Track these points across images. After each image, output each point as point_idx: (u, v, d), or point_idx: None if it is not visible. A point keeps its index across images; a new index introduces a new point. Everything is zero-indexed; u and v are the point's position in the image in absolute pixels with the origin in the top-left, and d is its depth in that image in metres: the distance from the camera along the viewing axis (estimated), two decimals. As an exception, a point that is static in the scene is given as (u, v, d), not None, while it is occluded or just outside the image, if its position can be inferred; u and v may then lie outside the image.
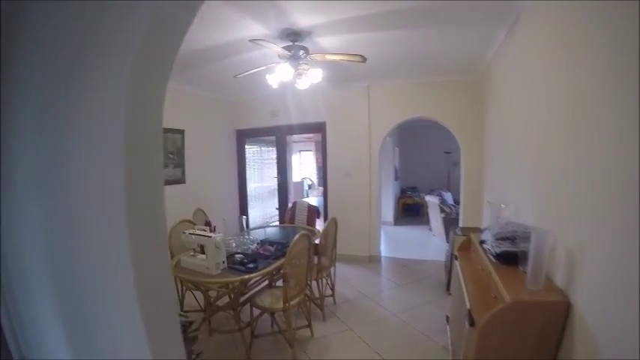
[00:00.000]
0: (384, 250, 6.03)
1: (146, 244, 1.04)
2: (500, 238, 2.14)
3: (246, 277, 2.75)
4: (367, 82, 5.29)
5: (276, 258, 3.12)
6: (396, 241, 6.97)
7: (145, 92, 1.00)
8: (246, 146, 6.81)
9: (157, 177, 1.11)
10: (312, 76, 3.48)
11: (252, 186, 7.43)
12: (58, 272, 1.04)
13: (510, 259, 2.00)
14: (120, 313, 1.02)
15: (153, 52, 0.98)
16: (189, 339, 2.37)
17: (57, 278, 1.04)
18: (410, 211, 9.54)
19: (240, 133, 6.65)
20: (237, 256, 3.11)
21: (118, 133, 0.93)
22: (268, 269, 2.92)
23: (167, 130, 5.01)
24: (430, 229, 7.66)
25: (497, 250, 2.09)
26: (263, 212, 8.14)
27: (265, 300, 2.99)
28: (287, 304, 2.82)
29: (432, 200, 7.24)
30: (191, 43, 3.44)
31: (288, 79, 3.39)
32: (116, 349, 1.04)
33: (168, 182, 5.03)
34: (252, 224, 7.19)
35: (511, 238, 2.09)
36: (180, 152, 5.25)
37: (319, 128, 5.87)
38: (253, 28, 3.06)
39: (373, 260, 5.56)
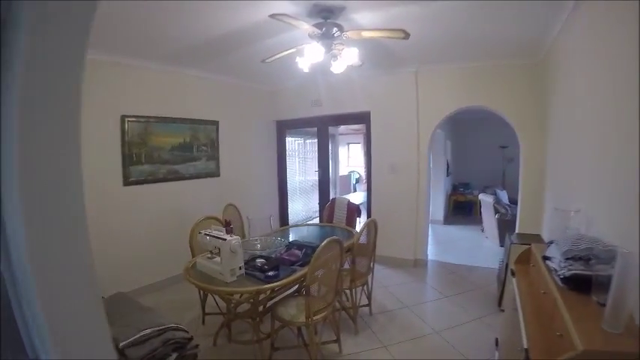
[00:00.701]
0: (432, 253, 5.55)
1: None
2: (571, 258, 1.69)
3: (262, 288, 2.44)
4: (415, 67, 4.82)
5: (303, 264, 2.77)
6: (445, 243, 6.50)
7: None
8: (287, 138, 6.56)
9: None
10: (348, 57, 3.10)
11: (295, 179, 7.21)
12: None
13: (582, 285, 1.55)
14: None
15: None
16: (187, 356, 2.13)
17: None
18: (461, 210, 8.97)
19: (281, 124, 6.40)
20: (258, 260, 2.81)
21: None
22: (289, 279, 2.57)
23: (199, 122, 4.86)
24: (482, 231, 7.08)
25: (567, 273, 1.64)
26: (306, 207, 7.92)
27: (289, 311, 2.68)
28: (309, 319, 2.49)
29: (485, 199, 6.65)
30: (217, 28, 3.20)
31: (320, 60, 3.02)
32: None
33: (201, 175, 4.89)
34: (293, 220, 6.97)
35: (585, 259, 1.64)
36: (214, 144, 5.09)
37: (363, 118, 5.48)
38: (280, 5, 2.73)
39: (419, 264, 5.11)
